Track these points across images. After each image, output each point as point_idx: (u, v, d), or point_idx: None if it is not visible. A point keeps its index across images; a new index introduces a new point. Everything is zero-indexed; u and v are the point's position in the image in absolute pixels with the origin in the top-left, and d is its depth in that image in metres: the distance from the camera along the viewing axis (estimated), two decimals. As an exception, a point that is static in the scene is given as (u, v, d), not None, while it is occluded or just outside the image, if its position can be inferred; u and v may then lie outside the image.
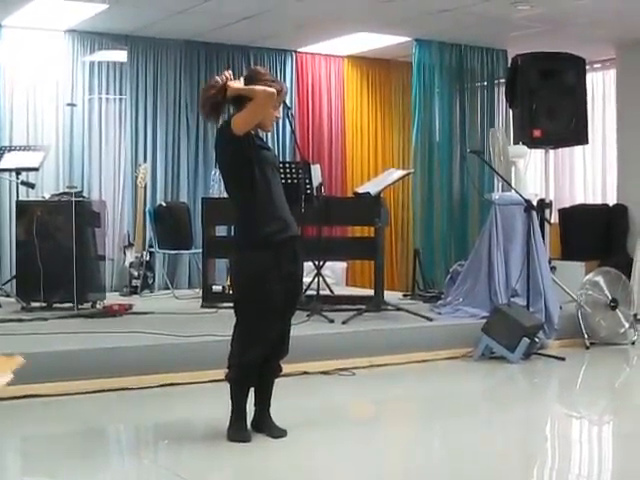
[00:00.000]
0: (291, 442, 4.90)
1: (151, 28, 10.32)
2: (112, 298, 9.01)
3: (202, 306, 8.82)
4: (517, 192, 8.27)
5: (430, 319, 7.98)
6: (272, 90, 4.78)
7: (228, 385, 4.90)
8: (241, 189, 4.83)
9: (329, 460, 4.75)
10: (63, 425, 5.37)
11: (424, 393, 6.67)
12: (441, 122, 11.39)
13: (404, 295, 10.08)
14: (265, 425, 4.98)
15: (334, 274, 10.65)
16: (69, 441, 5.03)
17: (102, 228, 8.94)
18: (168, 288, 10.32)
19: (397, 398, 6.54)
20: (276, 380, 5.05)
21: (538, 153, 10.55)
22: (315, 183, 7.90)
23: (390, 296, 9.04)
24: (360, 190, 8.53)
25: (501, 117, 11.88)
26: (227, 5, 9.32)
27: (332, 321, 7.70)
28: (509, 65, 9.89)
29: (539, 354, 7.72)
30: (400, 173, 8.99)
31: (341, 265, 11.17)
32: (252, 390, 4.96)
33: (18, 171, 9.06)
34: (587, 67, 9.69)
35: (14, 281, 8.98)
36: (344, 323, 7.64)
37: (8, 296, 8.84)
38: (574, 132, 9.24)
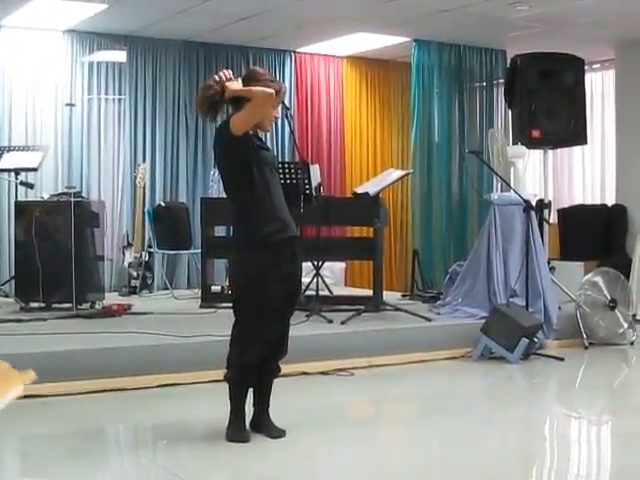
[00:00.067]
0: (290, 442, 4.90)
1: (150, 28, 10.32)
2: (111, 298, 9.01)
3: (201, 306, 8.83)
4: (516, 192, 8.27)
5: (429, 319, 7.98)
6: (270, 91, 4.77)
7: (227, 385, 4.90)
8: (240, 189, 4.83)
9: (328, 460, 4.76)
10: (62, 425, 5.37)
11: (423, 393, 6.67)
12: (440, 122, 11.39)
13: (403, 295, 10.09)
14: (264, 425, 4.98)
15: (333, 274, 10.65)
16: (68, 441, 5.03)
17: (101, 228, 8.94)
18: (167, 288, 10.32)
19: (396, 398, 6.54)
20: (275, 380, 5.05)
21: (537, 153, 10.55)
22: (314, 183, 7.89)
23: (389, 296, 9.05)
24: (359, 190, 8.53)
25: (500, 117, 11.88)
26: (226, 5, 9.32)
27: (331, 321, 7.70)
28: (508, 65, 9.90)
29: (538, 354, 7.72)
30: (399, 173, 8.99)
31: (340, 265, 11.17)
32: (251, 390, 4.96)
33: (17, 171, 9.06)
34: (586, 67, 9.69)
35: (13, 281, 8.98)
36: (343, 323, 7.65)
37: (7, 296, 8.83)
38: (573, 132, 9.24)
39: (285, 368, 5.23)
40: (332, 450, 4.92)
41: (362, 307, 8.15)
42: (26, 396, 5.73)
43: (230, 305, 4.95)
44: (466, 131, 11.54)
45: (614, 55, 11.39)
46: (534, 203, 8.50)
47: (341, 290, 10.01)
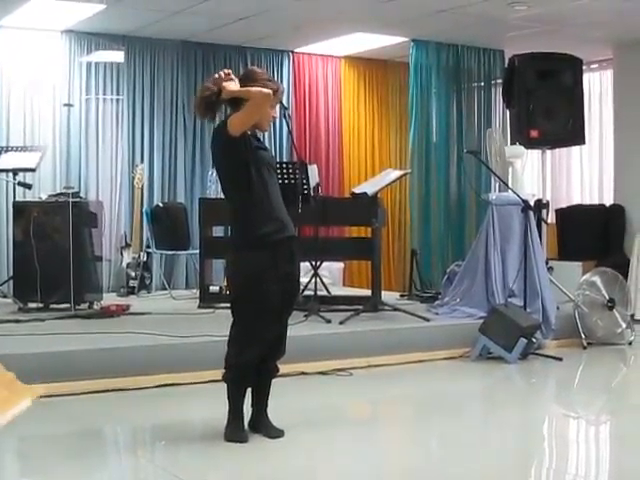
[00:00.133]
0: (288, 442, 4.90)
1: (148, 28, 10.32)
2: (109, 299, 9.01)
3: (199, 306, 8.83)
4: (514, 192, 8.27)
5: (427, 319, 7.98)
6: (268, 91, 4.76)
7: (225, 385, 4.90)
8: (238, 190, 4.83)
9: (327, 460, 4.76)
10: (61, 425, 5.37)
11: (421, 393, 6.67)
12: (438, 122, 11.40)
13: (401, 295, 10.09)
14: (262, 425, 4.98)
15: (331, 274, 10.65)
16: (66, 441, 5.03)
17: (99, 229, 8.94)
18: (165, 289, 10.32)
19: (394, 398, 6.54)
20: (273, 380, 5.05)
21: (535, 153, 10.55)
22: (312, 183, 7.89)
23: (387, 296, 9.04)
24: (357, 190, 8.53)
25: (498, 117, 11.89)
26: (224, 5, 9.32)
27: (329, 321, 7.70)
28: (506, 65, 9.90)
29: (536, 354, 7.72)
30: (397, 173, 8.99)
31: (338, 265, 11.18)
32: (249, 390, 4.96)
33: (15, 172, 9.06)
34: (584, 67, 9.69)
35: (11, 282, 8.98)
36: (341, 323, 7.64)
37: (5, 297, 8.85)
38: (571, 132, 9.25)
39: (283, 368, 5.24)
40: (331, 450, 4.92)
41: (360, 307, 8.15)
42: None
43: (228, 305, 4.95)
44: (464, 131, 11.54)
45: (612, 55, 11.40)
46: (532, 203, 8.49)
47: (339, 290, 10.01)
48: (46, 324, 7.55)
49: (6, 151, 9.24)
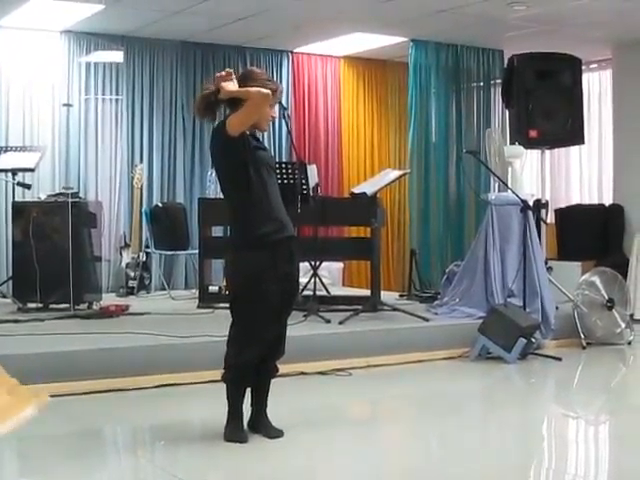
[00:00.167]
0: (288, 442, 4.90)
1: (147, 29, 10.32)
2: (108, 299, 9.01)
3: (198, 307, 8.83)
4: (513, 192, 8.28)
5: (426, 319, 7.98)
6: (267, 91, 4.76)
7: (225, 385, 4.90)
8: (237, 190, 4.83)
9: (326, 460, 4.76)
10: (60, 425, 5.36)
11: (421, 393, 6.67)
12: (437, 122, 11.40)
13: (400, 295, 10.09)
14: (262, 425, 4.98)
15: (330, 274, 10.65)
16: (66, 441, 5.03)
17: (98, 229, 8.95)
18: (164, 289, 10.32)
19: (394, 398, 6.54)
20: (273, 380, 5.05)
21: (534, 153, 10.55)
22: (311, 183, 7.89)
23: (386, 296, 9.04)
24: (356, 190, 8.53)
25: (497, 117, 11.89)
26: (223, 6, 9.32)
27: (329, 321, 7.70)
28: (505, 65, 9.90)
29: (536, 354, 7.73)
30: (396, 173, 9.00)
31: (337, 265, 11.18)
32: (249, 390, 4.96)
33: (14, 172, 9.06)
34: (583, 67, 9.69)
35: (10, 282, 8.97)
36: (341, 323, 7.64)
37: (4, 297, 8.85)
38: (570, 132, 9.25)
39: (283, 368, 5.24)
40: (330, 450, 4.93)
41: (360, 307, 8.15)
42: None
43: (227, 305, 4.95)
44: (463, 131, 11.55)
45: (611, 55, 11.40)
46: (531, 203, 8.50)
47: (339, 290, 10.00)
48: (45, 324, 7.55)
49: (5, 151, 9.24)
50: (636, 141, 10.89)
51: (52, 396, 5.87)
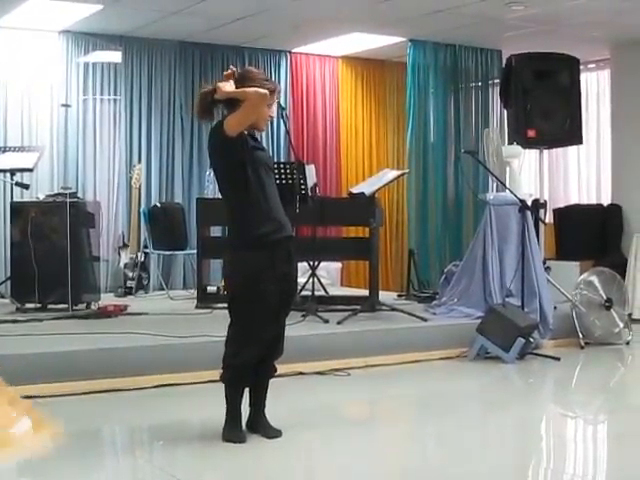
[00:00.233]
0: (286, 442, 4.90)
1: (145, 29, 10.31)
2: (107, 299, 9.00)
3: (197, 307, 8.82)
4: (511, 192, 8.28)
5: (425, 319, 7.98)
6: (264, 91, 4.76)
7: (223, 386, 4.90)
8: (235, 190, 4.83)
9: (324, 460, 4.76)
10: (58, 426, 5.36)
11: (419, 393, 6.67)
12: (435, 122, 11.40)
13: (399, 295, 10.09)
14: (260, 425, 4.98)
15: (329, 274, 10.65)
16: (64, 441, 5.02)
17: (97, 229, 8.94)
18: (163, 289, 10.31)
19: (392, 398, 6.54)
20: (271, 380, 5.05)
21: (532, 153, 10.56)
22: (310, 183, 7.89)
23: (385, 296, 9.04)
24: (355, 190, 8.54)
25: (495, 117, 11.89)
26: (221, 6, 9.32)
27: (327, 321, 7.70)
28: (503, 65, 9.89)
29: (534, 354, 7.73)
30: (395, 173, 9.00)
31: (336, 265, 11.18)
32: (247, 390, 4.96)
33: (12, 172, 9.05)
34: (581, 67, 9.71)
35: (9, 282, 8.97)
36: (339, 323, 7.65)
37: (3, 297, 8.84)
38: (568, 132, 9.25)
39: (281, 368, 5.24)
40: (328, 450, 4.93)
41: (358, 307, 8.15)
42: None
43: (226, 305, 4.95)
44: (462, 131, 11.55)
45: (609, 55, 11.41)
46: (530, 203, 8.50)
47: (337, 290, 10.00)
48: (44, 324, 7.55)
49: (4, 151, 9.23)
50: (634, 141, 10.90)
51: (50, 396, 5.89)
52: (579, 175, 12.28)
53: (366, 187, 8.50)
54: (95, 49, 10.61)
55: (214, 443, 4.83)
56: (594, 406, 6.46)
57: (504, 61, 10.04)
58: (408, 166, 11.15)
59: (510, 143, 9.39)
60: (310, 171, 8.08)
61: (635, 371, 8.16)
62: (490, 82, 11.71)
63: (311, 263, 8.55)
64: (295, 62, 11.88)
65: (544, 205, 9.38)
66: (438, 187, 11.32)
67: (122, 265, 10.27)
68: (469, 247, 8.78)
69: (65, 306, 8.26)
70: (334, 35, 10.86)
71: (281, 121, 9.87)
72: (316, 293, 8.45)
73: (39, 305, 8.35)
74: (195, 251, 9.43)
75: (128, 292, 10.06)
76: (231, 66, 5.01)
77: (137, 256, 10.24)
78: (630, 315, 8.87)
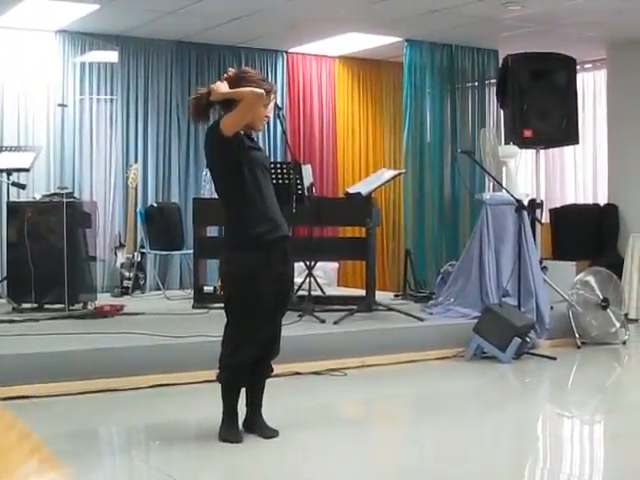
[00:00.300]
0: (283, 442, 4.90)
1: (142, 29, 10.31)
2: (103, 299, 9.00)
3: (193, 307, 8.82)
4: (508, 192, 8.28)
5: (421, 319, 7.98)
6: (260, 90, 4.75)
7: (219, 385, 4.90)
8: (231, 190, 4.83)
9: (321, 460, 4.76)
10: (54, 426, 5.35)
11: (415, 393, 6.68)
12: (432, 122, 11.41)
13: (395, 295, 10.09)
14: (257, 425, 4.98)
15: (325, 274, 10.64)
16: (60, 442, 5.02)
17: (93, 229, 8.93)
18: (159, 289, 10.31)
19: (388, 398, 6.54)
20: (267, 380, 5.05)
21: (529, 153, 10.57)
22: (306, 183, 7.90)
23: (381, 296, 9.05)
24: (351, 190, 8.54)
25: (492, 117, 11.90)
26: (217, 6, 9.32)
27: (323, 321, 7.70)
28: (500, 65, 9.91)
29: (530, 354, 7.73)
30: (391, 173, 9.00)
31: (332, 265, 11.17)
32: (244, 390, 4.96)
33: (9, 172, 9.04)
34: (578, 67, 9.71)
35: (5, 282, 8.95)
36: (335, 323, 7.65)
37: (-1, 297, 8.84)
38: (565, 132, 9.26)
39: (278, 368, 5.24)
40: (325, 450, 4.93)
41: (355, 307, 8.15)
42: (17, 397, 5.76)
43: (222, 305, 4.95)
44: (458, 131, 11.56)
45: (606, 55, 11.41)
46: (526, 203, 8.51)
47: (334, 290, 10.01)
48: (40, 324, 7.54)
49: (0, 151, 9.22)
50: (631, 141, 10.91)
51: (47, 396, 5.88)
52: (575, 175, 12.29)
53: (363, 187, 8.50)
54: (92, 49, 10.61)
55: (211, 443, 4.83)
56: (590, 406, 6.46)
57: (500, 61, 10.07)
58: (405, 166, 11.17)
59: (506, 143, 9.40)
60: (307, 171, 8.08)
61: (631, 371, 8.16)
62: (487, 82, 11.72)
63: (308, 263, 8.55)
64: (292, 62, 11.88)
65: (540, 205, 9.39)
66: (434, 187, 11.33)
67: (119, 265, 10.27)
68: (465, 247, 8.79)
69: (62, 306, 8.26)
70: (330, 35, 10.86)
71: (278, 121, 9.89)
72: (313, 293, 8.44)
73: (35, 305, 8.36)
74: (192, 251, 9.44)
75: (125, 292, 10.05)
76: (229, 69, 5.00)
77: (134, 256, 10.24)
78: (626, 315, 8.88)
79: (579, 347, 8.18)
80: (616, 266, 9.58)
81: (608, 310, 8.38)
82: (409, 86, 11.25)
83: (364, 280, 9.06)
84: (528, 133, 9.05)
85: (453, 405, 6.28)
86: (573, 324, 8.25)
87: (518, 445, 5.27)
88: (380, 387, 6.75)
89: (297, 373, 6.71)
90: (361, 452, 4.93)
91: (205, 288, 9.16)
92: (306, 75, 12.00)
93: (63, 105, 10.24)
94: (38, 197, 8.85)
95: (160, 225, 10.38)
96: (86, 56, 10.60)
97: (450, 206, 11.47)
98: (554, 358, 7.60)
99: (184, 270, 10.96)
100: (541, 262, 8.79)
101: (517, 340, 7.42)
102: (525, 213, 8.19)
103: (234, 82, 4.85)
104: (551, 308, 8.38)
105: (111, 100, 10.80)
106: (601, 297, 8.37)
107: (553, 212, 11.41)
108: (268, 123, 10.27)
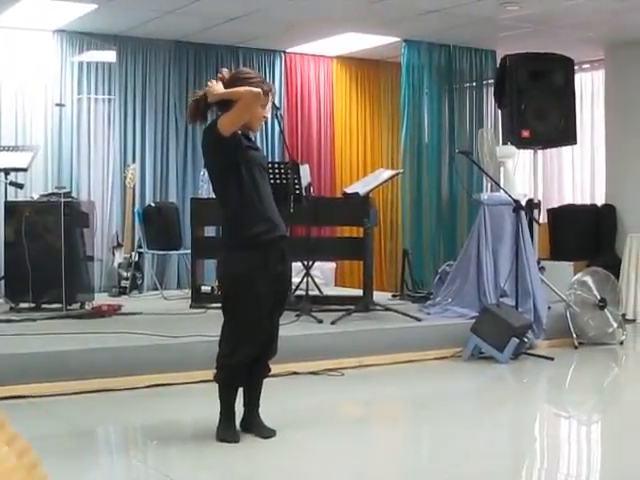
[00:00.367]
0: (280, 442, 4.90)
1: (140, 28, 10.31)
2: (101, 299, 9.00)
3: (191, 306, 8.82)
4: (506, 192, 8.27)
5: (419, 319, 7.98)
6: (257, 90, 4.75)
7: (217, 385, 4.90)
8: (228, 190, 4.82)
9: (318, 460, 4.75)
10: (51, 426, 5.35)
11: (413, 393, 6.67)
12: (430, 122, 11.41)
13: (393, 295, 10.09)
14: (254, 425, 4.98)
15: (323, 274, 10.65)
16: (57, 442, 5.02)
17: (91, 228, 8.94)
18: (157, 289, 10.31)
19: (386, 398, 6.54)
20: (265, 380, 5.05)
21: (527, 153, 10.57)
22: (304, 183, 7.89)
23: (379, 296, 9.04)
24: (349, 190, 8.54)
25: (490, 117, 11.91)
26: (216, 6, 9.32)
27: (321, 321, 7.70)
28: (498, 65, 9.92)
29: (528, 354, 7.73)
30: (389, 173, 9.00)
31: (330, 265, 11.18)
32: (241, 390, 4.96)
33: (7, 171, 9.03)
34: (576, 67, 9.72)
35: (2, 282, 8.96)
36: (333, 323, 7.64)
37: (-4, 297, 8.83)
38: (563, 132, 9.26)
39: (275, 368, 5.24)
40: (322, 450, 4.92)
41: (352, 307, 8.15)
42: (14, 397, 5.76)
43: (220, 305, 4.95)
44: (456, 131, 11.56)
45: (604, 55, 11.42)
46: (524, 203, 8.50)
47: (331, 290, 10.00)
48: (37, 324, 7.54)
49: (-3, 151, 9.23)
50: (628, 141, 10.92)
51: (44, 396, 5.88)
52: (573, 175, 12.30)
53: (360, 187, 8.50)
54: (89, 48, 10.61)
55: (208, 443, 4.83)
56: (588, 406, 6.46)
57: (498, 61, 10.07)
58: (402, 166, 11.17)
59: (504, 143, 9.40)
60: (304, 171, 8.08)
61: (628, 371, 8.16)
62: (484, 82, 11.73)
63: (305, 263, 8.55)
64: (289, 62, 11.88)
65: (538, 205, 9.39)
66: (432, 187, 11.33)
67: (116, 265, 10.26)
68: (463, 247, 8.79)
69: (59, 306, 8.25)
70: (328, 35, 10.87)
71: (275, 121, 9.86)
72: (310, 293, 8.44)
73: (33, 305, 8.35)
74: (189, 251, 9.43)
75: (122, 292, 10.05)
76: (223, 70, 5.00)
77: (131, 256, 10.24)
78: (624, 315, 8.88)
79: (576, 347, 8.18)
80: (613, 266, 9.58)
81: (605, 310, 8.38)
82: (407, 86, 11.26)
83: (362, 280, 9.05)
84: (526, 133, 9.06)
85: (451, 405, 6.27)
86: (571, 324, 8.25)
87: (516, 445, 5.27)
88: (378, 387, 6.75)
89: (294, 373, 6.71)
90: (359, 452, 4.93)
91: (203, 288, 9.15)
92: (304, 75, 12.00)
93: (61, 105, 10.23)
94: (36, 197, 8.85)
95: (158, 225, 10.38)
96: (84, 56, 10.60)
97: (448, 206, 11.47)
98: (551, 358, 7.60)
99: (182, 270, 10.96)
100: (539, 262, 8.79)
101: (515, 340, 7.42)
102: (523, 213, 8.19)
103: (232, 83, 4.85)
104: (549, 308, 8.38)
105: (109, 100, 10.80)
106: (598, 297, 8.37)
107: (551, 212, 11.42)
108: (266, 123, 10.30)
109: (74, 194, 9.59)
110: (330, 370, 6.92)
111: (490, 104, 11.76)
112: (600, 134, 11.71)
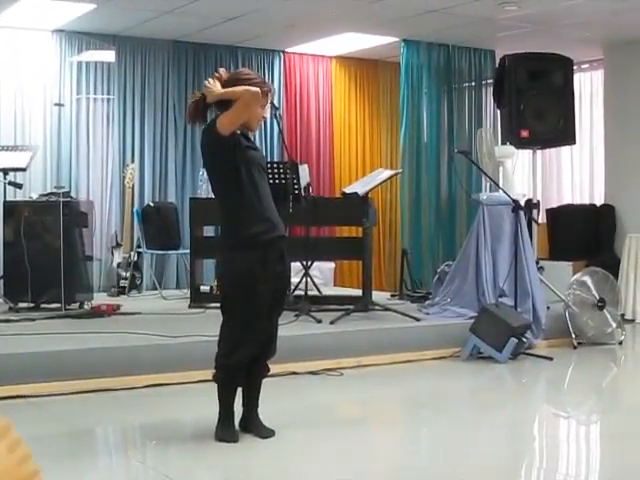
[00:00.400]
0: (279, 442, 4.90)
1: (139, 28, 10.31)
2: (100, 298, 8.99)
3: (190, 306, 8.81)
4: (505, 192, 8.28)
5: (418, 319, 7.98)
6: (255, 89, 4.75)
7: (216, 385, 4.90)
8: (227, 189, 4.82)
9: (317, 460, 4.75)
10: (50, 426, 5.36)
11: (412, 393, 6.67)
12: (429, 122, 11.41)
13: (392, 295, 10.08)
14: (253, 425, 4.98)
15: (322, 274, 10.65)
16: (56, 442, 5.02)
17: (90, 228, 8.93)
18: (156, 288, 10.30)
19: (385, 398, 6.54)
20: (264, 380, 5.05)
21: (526, 153, 10.57)
22: (303, 183, 7.89)
23: (378, 296, 9.03)
24: (348, 190, 8.53)
25: (489, 117, 11.91)
26: (214, 5, 9.32)
27: (320, 321, 7.69)
28: (497, 65, 9.90)
29: (527, 354, 7.73)
30: (388, 173, 9.00)
31: (329, 265, 11.18)
32: (240, 390, 4.96)
33: (5, 171, 9.03)
34: (575, 67, 9.71)
35: (1, 282, 8.95)
36: (332, 323, 7.64)
37: (-5, 297, 8.83)
38: (562, 132, 9.26)
39: (274, 368, 5.24)
40: (321, 450, 4.92)
41: (351, 307, 8.15)
42: (12, 397, 5.76)
43: (219, 305, 4.95)
44: (455, 131, 11.57)
45: (603, 55, 11.43)
46: (523, 203, 8.50)
47: (330, 290, 10.00)
48: (36, 324, 7.54)
49: (-3, 150, 9.23)
50: (627, 141, 10.92)
51: (42, 396, 5.88)
52: (572, 175, 12.30)
53: (359, 187, 8.50)
54: (88, 48, 10.61)
55: (207, 443, 4.83)
56: (587, 406, 6.47)
57: (497, 61, 10.06)
58: (401, 166, 11.17)
59: (503, 143, 9.40)
60: (303, 171, 8.08)
61: (627, 371, 8.17)
62: (483, 82, 11.73)
63: (304, 263, 8.55)
64: (288, 62, 11.88)
65: (537, 205, 9.39)
66: (431, 187, 11.34)
67: (115, 265, 10.26)
68: (462, 247, 8.79)
69: (58, 305, 8.25)
70: (327, 35, 10.87)
71: (274, 121, 9.87)
72: (309, 293, 8.45)
73: (32, 304, 8.35)
74: (188, 251, 9.43)
75: (121, 292, 10.05)
76: (220, 70, 5.00)
77: (130, 256, 10.23)
78: (623, 315, 8.88)
79: (575, 347, 8.18)
80: (612, 266, 9.58)
81: (604, 310, 8.38)
82: (406, 86, 11.26)
83: (361, 280, 9.06)
84: (525, 133, 9.06)
85: (449, 405, 6.27)
86: (569, 324, 8.24)
87: (514, 445, 5.27)
88: (376, 387, 6.75)
89: (293, 373, 6.71)
90: (357, 452, 4.93)
91: (202, 288, 9.15)
92: (303, 75, 12.00)
93: (60, 104, 10.22)
94: (35, 196, 8.85)
95: (157, 225, 10.37)
96: (83, 55, 10.59)
97: (447, 206, 11.48)
98: (550, 358, 7.60)
99: (181, 270, 10.95)
100: (538, 262, 8.79)
101: (513, 340, 7.42)
102: (522, 213, 8.19)
103: (231, 82, 4.85)
104: (547, 308, 8.38)
105: (108, 100, 10.80)
106: (597, 297, 8.37)
107: (550, 212, 11.42)
108: (265, 123, 10.33)
109: (73, 194, 9.59)
110: (329, 370, 6.92)
111: (489, 104, 11.76)
112: (599, 134, 11.71)
